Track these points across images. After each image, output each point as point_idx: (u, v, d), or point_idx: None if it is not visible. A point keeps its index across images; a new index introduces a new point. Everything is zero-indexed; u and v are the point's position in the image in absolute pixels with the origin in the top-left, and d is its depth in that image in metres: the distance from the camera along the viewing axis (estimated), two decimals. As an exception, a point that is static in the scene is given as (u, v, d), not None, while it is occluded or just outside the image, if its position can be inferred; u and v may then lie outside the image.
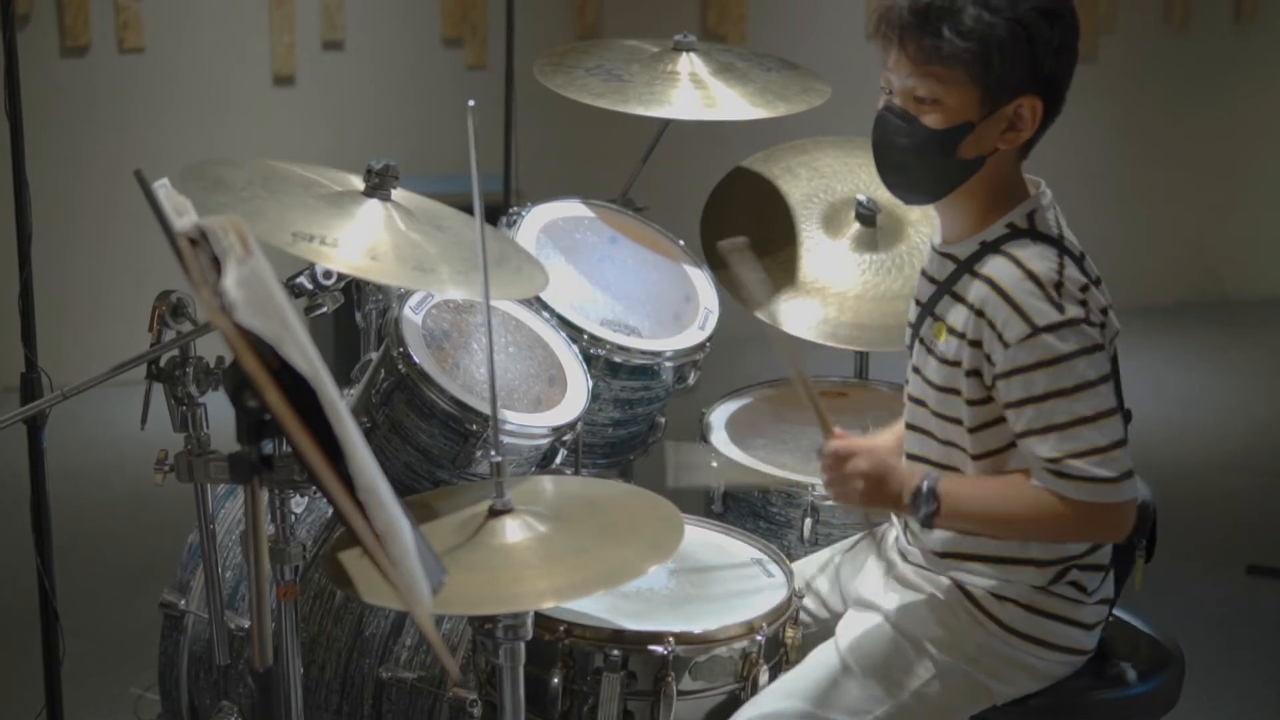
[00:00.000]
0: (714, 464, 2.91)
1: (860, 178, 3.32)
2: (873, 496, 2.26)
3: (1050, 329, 2.13)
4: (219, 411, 2.04)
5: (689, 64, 3.26)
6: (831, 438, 2.31)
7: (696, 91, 3.20)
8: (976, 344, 2.20)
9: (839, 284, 3.14)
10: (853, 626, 2.38)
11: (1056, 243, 2.22)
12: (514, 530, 2.15)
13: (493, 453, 2.17)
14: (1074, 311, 2.14)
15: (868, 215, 3.20)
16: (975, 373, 2.22)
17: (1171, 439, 5.12)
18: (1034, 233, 2.23)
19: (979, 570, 2.30)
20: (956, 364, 2.24)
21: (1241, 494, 4.77)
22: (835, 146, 3.41)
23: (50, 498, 3.05)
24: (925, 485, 2.22)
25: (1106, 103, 6.18)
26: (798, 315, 3.10)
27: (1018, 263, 2.18)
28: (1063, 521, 2.18)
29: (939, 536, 2.32)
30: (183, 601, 2.74)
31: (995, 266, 2.20)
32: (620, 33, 4.13)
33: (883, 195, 3.24)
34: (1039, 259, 2.18)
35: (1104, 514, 2.17)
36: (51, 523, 3.05)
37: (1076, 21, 2.21)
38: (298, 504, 2.63)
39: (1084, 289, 2.18)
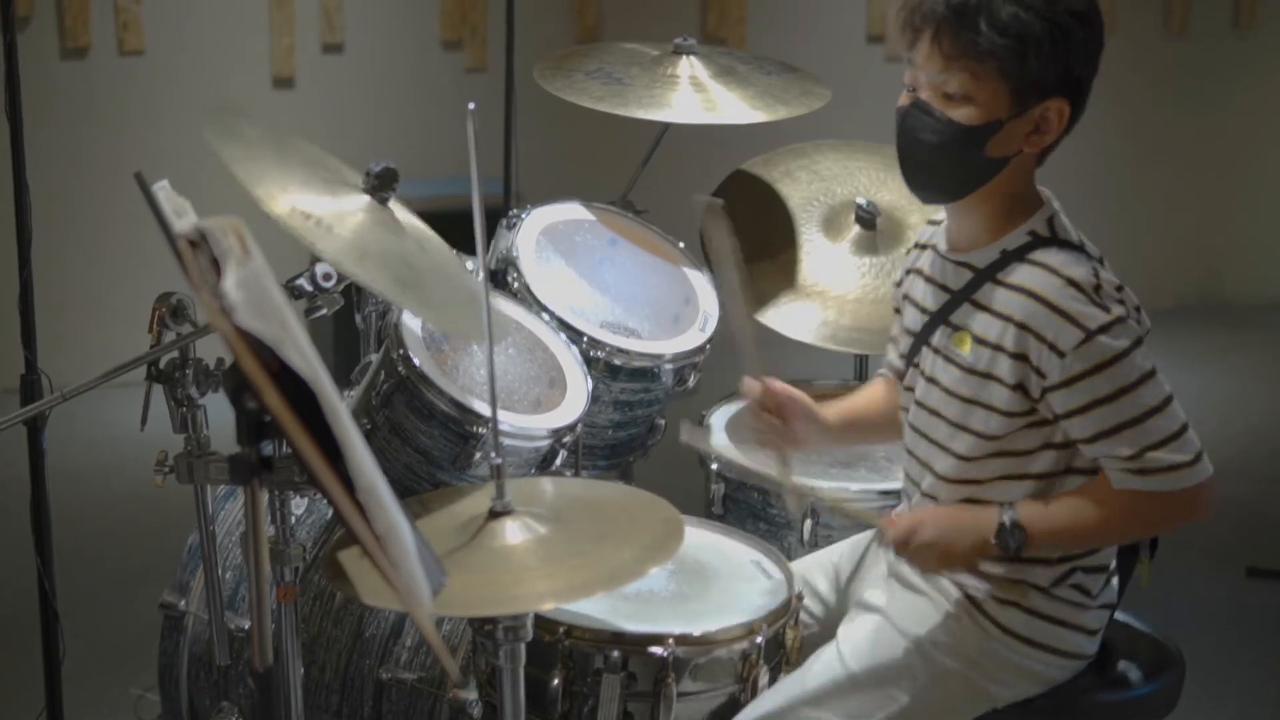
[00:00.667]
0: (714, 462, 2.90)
1: (860, 181, 3.32)
2: (953, 556, 2.25)
3: (1103, 330, 2.13)
4: (219, 413, 2.04)
5: (689, 67, 3.26)
6: (884, 528, 2.30)
7: (696, 95, 3.20)
8: (1020, 357, 2.18)
9: (838, 287, 3.15)
10: (854, 629, 2.39)
11: (1080, 249, 2.23)
12: (514, 532, 2.15)
13: (493, 455, 2.17)
14: (1118, 310, 2.15)
15: (867, 218, 3.20)
16: (1019, 386, 2.20)
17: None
18: (1058, 240, 2.23)
19: (984, 569, 2.30)
20: (988, 375, 2.22)
21: (1241, 497, 4.77)
22: (835, 150, 3.41)
23: (50, 499, 3.05)
24: (1007, 520, 2.21)
25: (1106, 106, 6.14)
26: (797, 318, 3.10)
27: (1054, 271, 2.17)
28: (1149, 515, 2.20)
29: None
30: (183, 602, 2.74)
31: (1030, 276, 2.19)
32: (620, 36, 4.14)
33: (882, 198, 3.26)
34: (1073, 265, 2.18)
35: (1187, 498, 2.18)
36: (52, 524, 3.05)
37: (1103, 27, 2.21)
38: (297, 505, 2.63)
39: (1119, 289, 2.19)
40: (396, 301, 2.62)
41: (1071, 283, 2.16)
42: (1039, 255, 2.20)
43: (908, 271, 2.44)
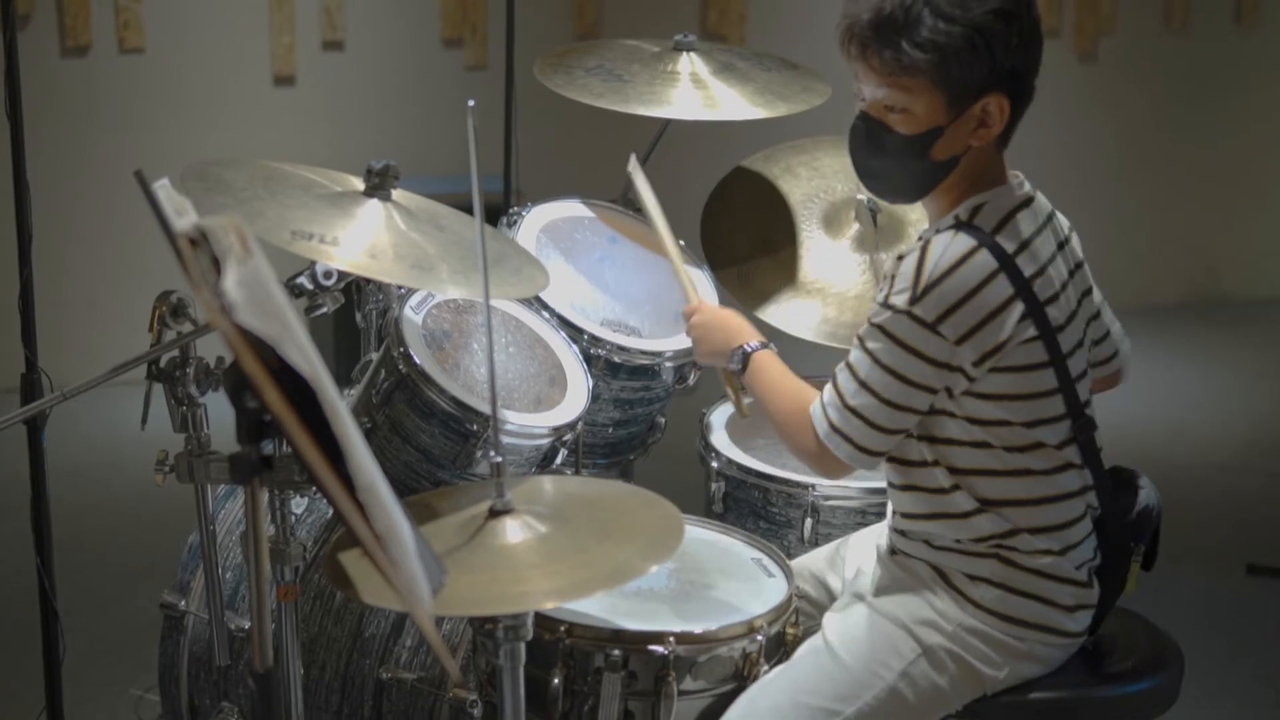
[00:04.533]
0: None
1: (860, 177, 3.31)
2: (709, 345, 2.61)
3: (888, 307, 2.23)
4: (219, 412, 2.04)
5: (689, 64, 3.26)
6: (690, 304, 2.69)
7: (697, 91, 3.20)
8: None
9: (839, 284, 3.14)
10: (839, 615, 2.40)
11: (984, 236, 2.23)
12: (515, 531, 2.15)
13: (492, 453, 2.17)
14: (922, 311, 2.20)
15: (868, 215, 3.20)
16: None
17: (1172, 439, 5.13)
18: (968, 225, 2.26)
19: (928, 529, 2.33)
20: None
21: (1241, 494, 4.77)
22: (835, 146, 3.40)
23: (50, 498, 3.05)
24: (746, 347, 2.52)
25: (1107, 103, 6.19)
26: (798, 315, 3.10)
27: (925, 246, 2.24)
28: (800, 432, 2.36)
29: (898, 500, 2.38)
30: (183, 602, 2.74)
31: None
32: (620, 33, 4.13)
33: (883, 195, 3.26)
34: (942, 249, 2.22)
35: (817, 442, 2.32)
36: (52, 523, 3.05)
37: (1034, 14, 2.26)
38: (298, 504, 2.63)
39: (971, 294, 2.19)
40: (422, 287, 2.63)
41: (920, 261, 2.22)
42: (934, 234, 2.27)
43: None
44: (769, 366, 2.50)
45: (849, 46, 2.27)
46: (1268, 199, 6.70)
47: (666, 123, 3.29)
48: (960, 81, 2.21)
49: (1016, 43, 2.22)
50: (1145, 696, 2.41)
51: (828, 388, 2.32)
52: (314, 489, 2.45)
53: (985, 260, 2.21)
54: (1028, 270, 2.23)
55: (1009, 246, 2.23)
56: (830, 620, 2.41)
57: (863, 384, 2.26)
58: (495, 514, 2.15)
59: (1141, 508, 2.40)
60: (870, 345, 2.25)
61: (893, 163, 2.30)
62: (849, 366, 2.29)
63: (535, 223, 3.06)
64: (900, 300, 2.21)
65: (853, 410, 2.27)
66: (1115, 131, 6.27)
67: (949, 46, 2.19)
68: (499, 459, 2.15)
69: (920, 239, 2.29)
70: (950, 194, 2.31)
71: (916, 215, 3.19)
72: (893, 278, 2.24)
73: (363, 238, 2.44)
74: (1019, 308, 2.22)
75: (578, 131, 5.19)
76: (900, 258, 2.26)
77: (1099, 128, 6.16)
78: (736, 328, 2.58)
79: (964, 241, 2.23)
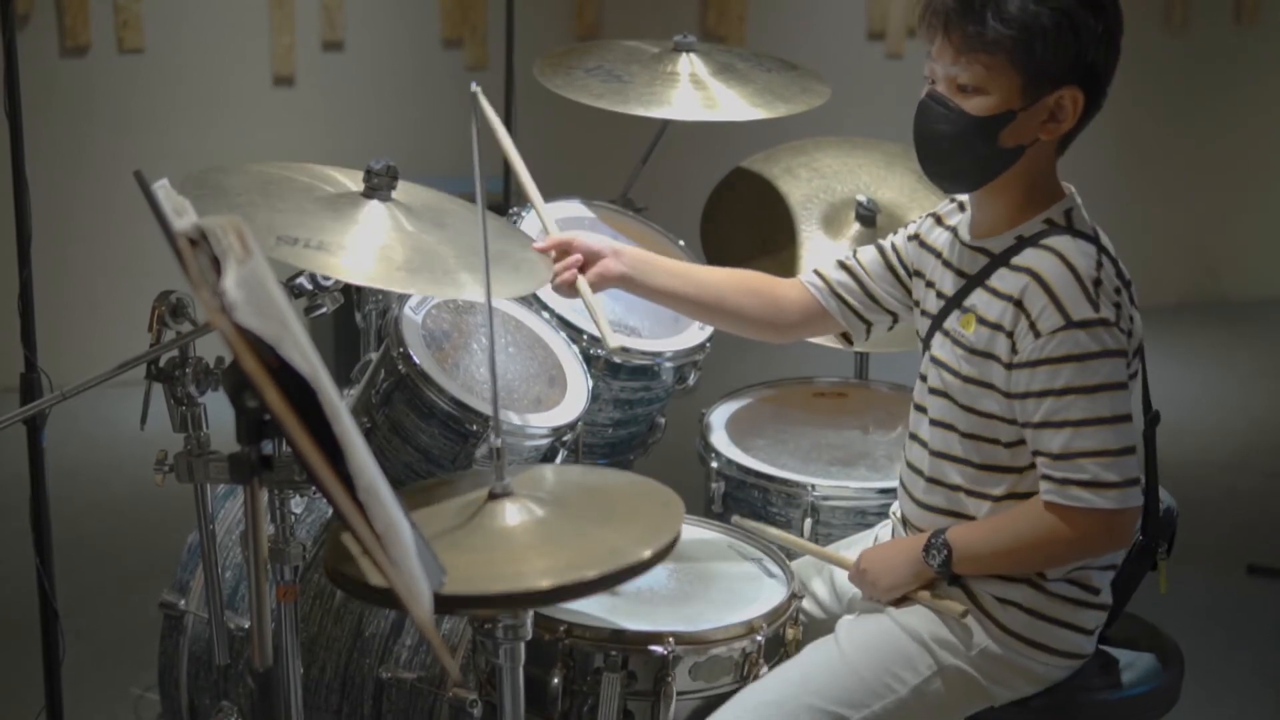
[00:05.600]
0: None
1: (860, 178, 3.32)
2: (894, 580, 2.35)
3: (1083, 325, 2.16)
4: (219, 412, 2.04)
5: (689, 64, 3.26)
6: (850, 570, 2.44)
7: (696, 92, 3.20)
8: (1011, 334, 2.22)
9: (839, 284, 3.14)
10: (856, 622, 2.39)
11: (1095, 241, 2.25)
12: (513, 513, 2.13)
13: (493, 437, 2.15)
14: (1107, 312, 2.17)
15: (868, 216, 3.20)
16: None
17: (1171, 439, 5.08)
18: (1073, 230, 2.26)
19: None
20: (988, 355, 2.25)
21: (1242, 494, 4.76)
22: (835, 147, 3.41)
23: (50, 498, 3.05)
24: (935, 538, 2.29)
25: (1106, 102, 6.17)
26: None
27: (1060, 256, 2.21)
28: (1064, 533, 2.20)
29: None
30: (182, 602, 2.74)
31: (1036, 259, 2.22)
32: (620, 33, 4.14)
33: (883, 195, 3.26)
34: (1080, 255, 2.21)
35: (1107, 522, 2.19)
36: (51, 523, 3.05)
37: (1120, 14, 2.24)
38: (297, 504, 2.63)
39: (1118, 291, 2.21)
40: (405, 290, 2.61)
41: (1071, 269, 2.19)
42: (1050, 240, 2.23)
43: (921, 242, 2.47)
44: (968, 533, 2.29)
45: (930, 19, 2.23)
46: (1268, 199, 6.70)
47: (666, 124, 3.30)
48: (1040, 64, 2.18)
49: (1101, 36, 2.20)
50: (1146, 698, 2.41)
51: (1064, 470, 2.17)
52: (313, 489, 2.45)
53: (1107, 261, 2.23)
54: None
55: (1109, 247, 2.26)
56: (845, 623, 2.40)
57: (1116, 418, 2.17)
58: (494, 497, 2.14)
59: (1165, 508, 2.42)
60: (1092, 380, 2.16)
61: (958, 145, 2.24)
62: (1080, 424, 2.15)
63: (535, 223, 3.06)
64: (1083, 313, 2.16)
65: (1123, 451, 2.17)
66: (1114, 130, 6.26)
67: (1035, 25, 2.16)
68: (499, 442, 2.13)
69: (1028, 250, 2.23)
70: (1008, 193, 2.28)
71: (916, 215, 3.19)
72: (1039, 309, 2.17)
73: (353, 240, 2.41)
74: (1133, 307, 2.25)
75: (577, 132, 5.19)
76: (1014, 300, 2.20)
77: (1098, 126, 6.15)
78: (902, 546, 2.38)
79: (1085, 244, 2.23)
